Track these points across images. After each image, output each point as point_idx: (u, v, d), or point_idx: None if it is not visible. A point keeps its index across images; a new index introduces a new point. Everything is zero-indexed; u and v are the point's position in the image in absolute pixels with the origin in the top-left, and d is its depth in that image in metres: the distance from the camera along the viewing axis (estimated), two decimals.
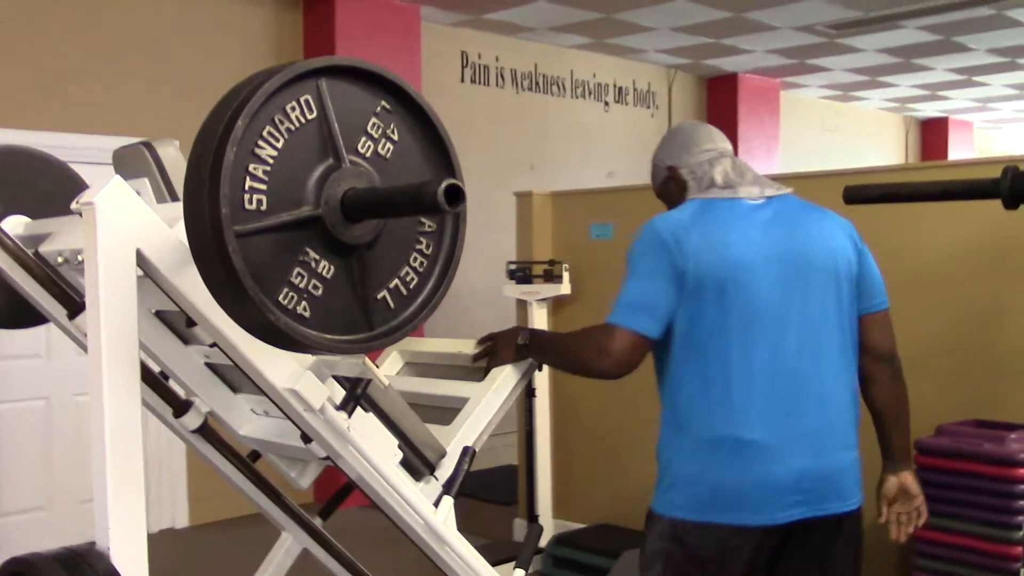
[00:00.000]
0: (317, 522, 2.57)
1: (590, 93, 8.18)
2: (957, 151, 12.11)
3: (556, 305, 4.95)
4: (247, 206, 1.30)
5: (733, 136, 9.00)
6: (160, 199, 1.88)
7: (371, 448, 1.83)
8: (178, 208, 1.80)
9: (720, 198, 2.30)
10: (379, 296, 1.46)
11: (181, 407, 2.22)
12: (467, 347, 2.39)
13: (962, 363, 3.67)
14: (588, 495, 4.89)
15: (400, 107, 1.47)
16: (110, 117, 5.32)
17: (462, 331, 2.63)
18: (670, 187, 2.42)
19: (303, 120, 1.36)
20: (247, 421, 2.26)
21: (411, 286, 1.50)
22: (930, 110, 11.59)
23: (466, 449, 2.06)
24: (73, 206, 1.57)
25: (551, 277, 4.77)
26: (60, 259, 1.89)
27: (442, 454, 2.05)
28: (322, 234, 1.37)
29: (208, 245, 1.28)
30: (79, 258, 1.83)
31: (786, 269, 2.25)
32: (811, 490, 2.19)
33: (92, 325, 1.51)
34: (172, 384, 2.25)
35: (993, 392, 3.59)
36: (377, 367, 2.42)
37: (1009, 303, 3.57)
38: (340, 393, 1.80)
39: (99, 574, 1.45)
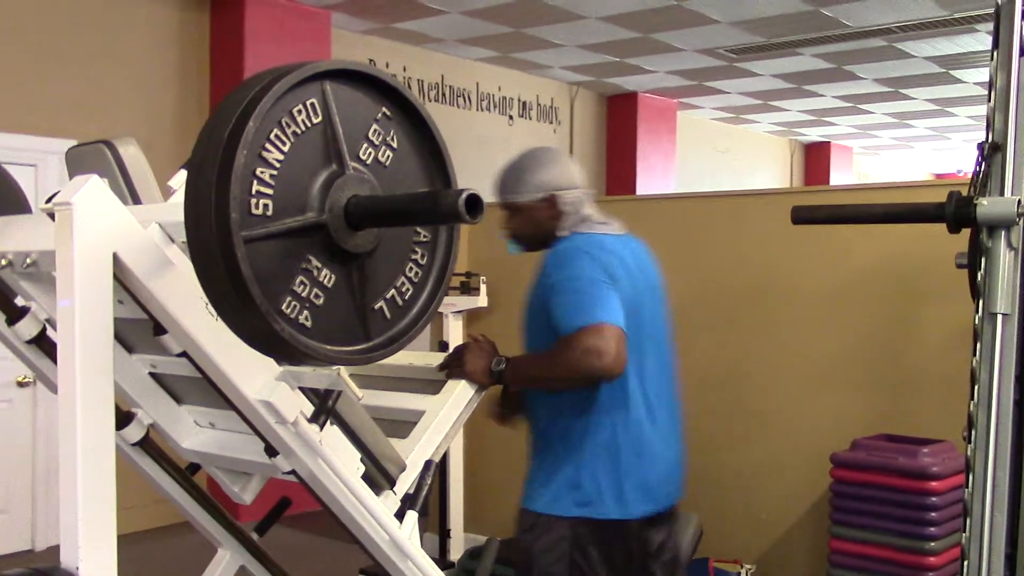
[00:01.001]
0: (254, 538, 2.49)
1: (495, 106, 8.22)
2: (838, 174, 12.62)
3: (471, 317, 4.94)
4: (254, 211, 1.26)
5: (632, 154, 9.19)
6: (122, 201, 1.79)
7: (339, 462, 1.78)
8: (147, 210, 1.74)
9: (604, 233, 2.47)
10: (376, 307, 1.43)
11: (123, 419, 2.12)
12: (418, 359, 2.36)
13: (872, 379, 3.81)
14: (500, 507, 4.88)
15: (400, 114, 1.44)
16: (6, 115, 5.09)
17: None
18: (538, 212, 2.45)
19: (309, 124, 1.32)
20: (190, 433, 2.17)
21: (406, 296, 1.47)
22: (814, 134, 12.06)
23: (428, 463, 2.03)
24: (43, 207, 1.49)
25: (468, 289, 4.75)
26: (3, 261, 1.79)
27: (402, 468, 2.02)
28: (325, 242, 1.33)
29: (213, 251, 1.23)
30: (27, 261, 1.73)
31: (655, 296, 2.56)
32: (677, 479, 2.58)
33: (65, 334, 1.43)
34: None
35: (902, 407, 3.74)
36: None
37: (917, 322, 3.73)
38: (307, 406, 1.75)
39: None
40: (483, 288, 4.74)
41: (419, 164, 1.47)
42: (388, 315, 1.44)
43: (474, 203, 1.24)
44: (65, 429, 1.44)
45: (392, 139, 1.43)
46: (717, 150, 10.93)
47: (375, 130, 1.41)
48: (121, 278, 1.52)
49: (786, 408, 4.00)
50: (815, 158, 12.72)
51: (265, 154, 1.27)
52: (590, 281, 2.29)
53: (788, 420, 3.99)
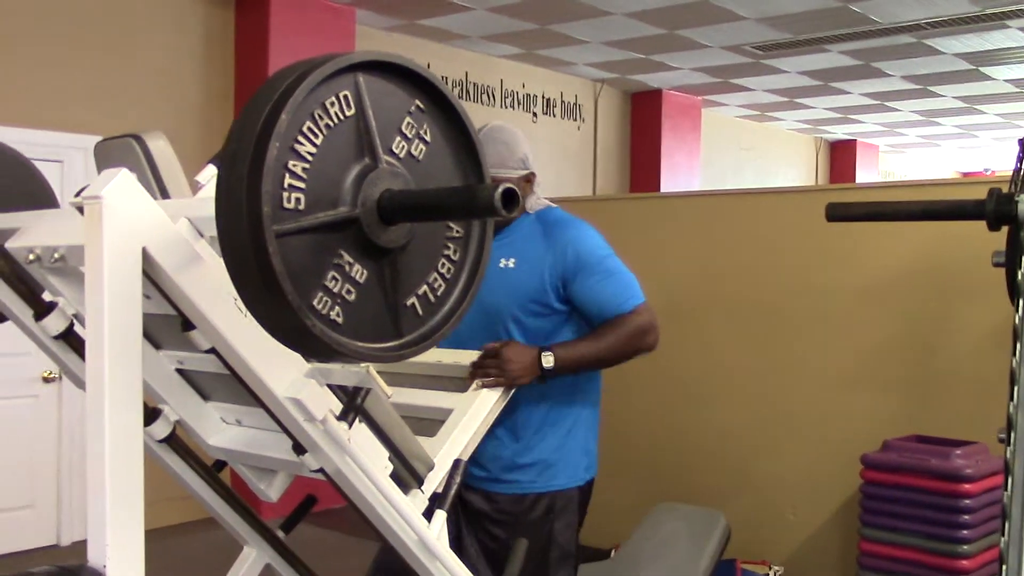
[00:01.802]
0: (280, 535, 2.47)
1: (519, 103, 8.19)
2: (863, 172, 12.52)
3: None
4: (286, 205, 1.23)
5: (656, 151, 9.13)
6: (151, 196, 1.77)
7: (368, 461, 1.76)
8: (176, 205, 1.72)
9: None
10: (408, 303, 1.40)
11: (149, 416, 2.10)
12: (447, 356, 2.33)
13: (904, 380, 3.76)
14: None
15: (433, 107, 1.41)
16: (25, 108, 5.10)
17: None
18: (519, 188, 2.51)
19: (342, 116, 1.29)
20: (217, 430, 2.15)
21: (439, 293, 1.44)
22: (840, 132, 11.95)
23: (457, 462, 2.01)
24: (72, 201, 1.47)
25: None
26: (31, 256, 1.77)
27: (430, 467, 1.99)
28: (358, 236, 1.31)
29: (245, 245, 1.20)
30: (55, 256, 1.72)
31: None
32: None
33: (94, 329, 1.41)
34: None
35: (934, 408, 3.69)
36: None
37: (949, 322, 3.68)
38: (336, 404, 1.72)
39: None
40: None
41: (452, 158, 1.44)
42: (420, 312, 1.41)
43: (510, 197, 1.21)
44: (93, 426, 1.42)
45: (425, 132, 1.40)
46: (742, 148, 10.85)
47: (408, 123, 1.38)
48: (149, 273, 1.50)
49: (816, 408, 3.95)
50: (841, 156, 12.62)
51: (298, 147, 1.24)
52: (615, 258, 2.45)
53: (818, 420, 3.94)
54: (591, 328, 2.44)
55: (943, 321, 3.68)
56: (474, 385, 2.21)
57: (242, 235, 1.20)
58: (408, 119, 1.38)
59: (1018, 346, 2.15)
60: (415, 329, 1.41)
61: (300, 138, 1.25)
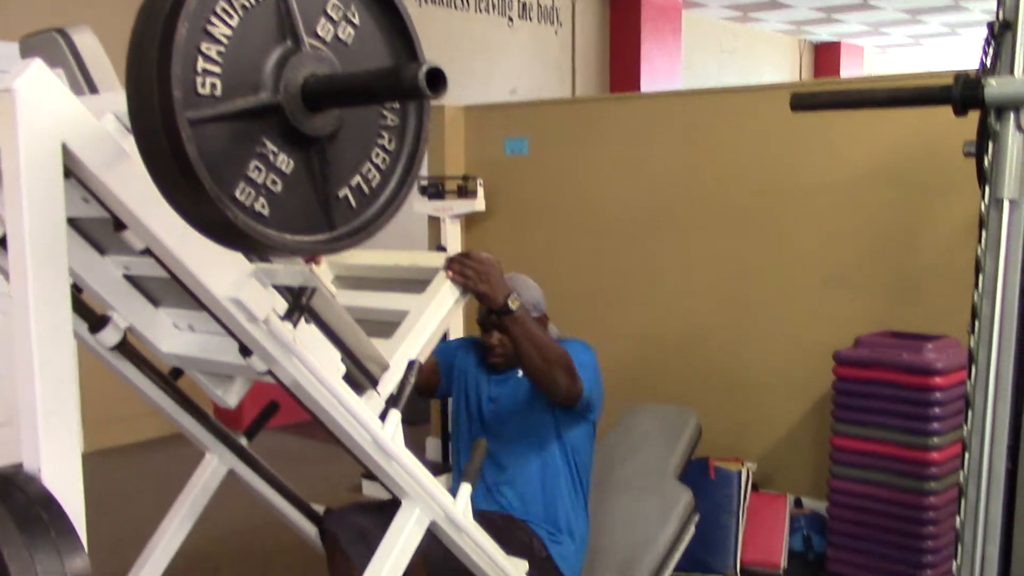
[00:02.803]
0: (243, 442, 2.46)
1: (494, 8, 7.99)
2: (848, 74, 12.34)
3: (469, 222, 4.86)
4: (200, 90, 1.17)
5: (635, 56, 8.96)
6: (78, 91, 1.70)
7: (316, 361, 1.72)
8: (101, 100, 1.65)
9: None
10: (341, 195, 1.34)
11: (98, 322, 2.06)
12: (404, 259, 2.29)
13: (878, 276, 3.74)
14: None
15: None
16: None
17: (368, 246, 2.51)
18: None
19: None
20: (169, 336, 2.12)
21: (373, 184, 1.38)
22: (824, 34, 11.75)
23: (411, 362, 1.98)
24: None
25: (465, 193, 4.66)
26: None
27: (385, 368, 1.96)
28: (281, 124, 1.25)
29: (158, 133, 1.14)
30: None
31: None
32: None
33: (14, 231, 1.36)
34: (85, 297, 2.09)
35: (907, 304, 3.67)
36: None
37: (923, 218, 3.64)
38: (282, 304, 1.68)
39: (31, 498, 1.32)
40: (480, 191, 4.64)
41: (383, 42, 1.37)
42: (354, 204, 1.36)
43: (436, 76, 1.15)
44: (20, 329, 1.38)
45: (353, 15, 1.33)
46: (724, 50, 10.67)
47: (334, 4, 1.31)
48: (73, 171, 1.44)
49: (789, 307, 3.93)
50: (825, 58, 12.42)
51: (211, 28, 1.17)
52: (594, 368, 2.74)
53: (791, 319, 3.93)
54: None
55: (917, 217, 3.64)
56: (440, 275, 2.15)
57: (154, 122, 1.15)
58: (334, 0, 1.31)
59: (983, 234, 2.12)
60: (349, 222, 1.36)
61: (213, 19, 1.18)
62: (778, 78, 11.60)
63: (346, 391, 1.79)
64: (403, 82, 1.15)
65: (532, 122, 4.75)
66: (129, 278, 2.06)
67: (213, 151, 1.18)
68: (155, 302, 2.10)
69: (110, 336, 2.08)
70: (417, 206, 4.73)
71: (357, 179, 1.36)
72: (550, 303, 4.45)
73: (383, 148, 1.39)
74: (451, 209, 4.68)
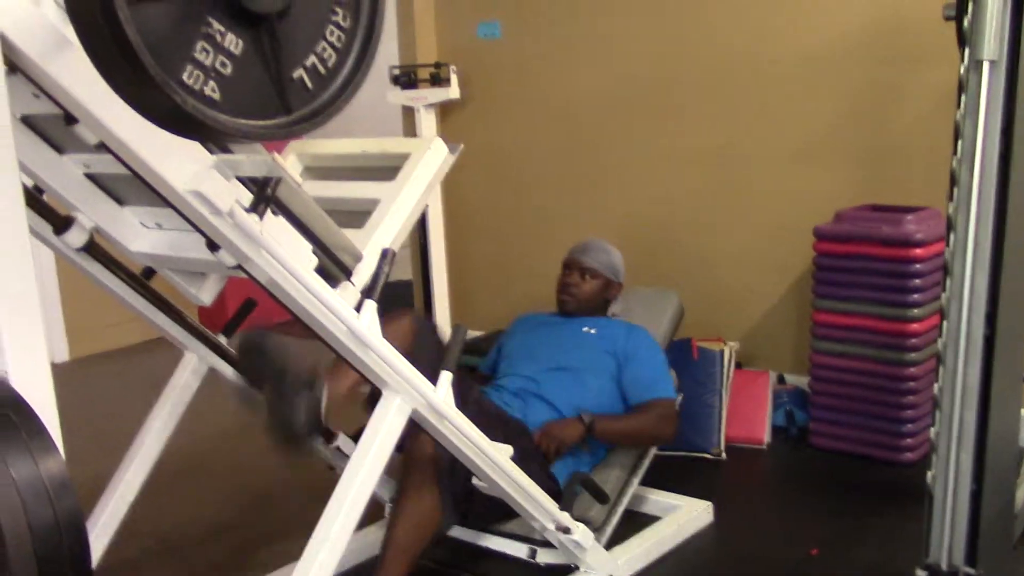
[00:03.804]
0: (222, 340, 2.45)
1: None
2: None
3: (444, 111, 4.77)
4: None
5: None
6: None
7: (285, 253, 1.69)
8: None
9: None
10: (295, 76, 1.29)
11: (62, 223, 2.02)
12: (372, 146, 2.23)
13: (858, 149, 3.70)
14: (484, 303, 4.88)
15: None
16: None
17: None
18: (600, 290, 3.14)
19: None
20: (137, 235, 2.07)
21: (329, 64, 1.32)
22: None
23: (385, 251, 1.95)
24: None
25: (438, 81, 4.55)
26: None
27: (358, 258, 1.93)
28: (226, 1, 1.18)
29: (94, 16, 1.08)
30: None
31: None
32: None
33: None
34: (48, 199, 2.04)
35: (888, 177, 3.64)
36: None
37: (903, 87, 3.58)
38: (246, 196, 1.64)
39: (4, 403, 1.29)
40: (454, 79, 4.53)
41: None
42: (310, 85, 1.31)
43: None
44: None
45: None
46: None
47: None
48: (16, 63, 1.38)
49: (767, 183, 3.90)
50: None
51: None
52: (667, 365, 3.04)
53: (770, 195, 3.90)
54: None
55: (895, 88, 3.57)
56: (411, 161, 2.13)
57: (90, 5, 1.08)
58: None
59: (962, 98, 2.08)
60: (306, 104, 1.30)
61: None
62: None
63: (318, 282, 1.76)
64: None
65: (504, 5, 4.62)
66: (91, 177, 2.01)
67: (155, 33, 1.12)
68: (120, 201, 2.05)
69: (76, 237, 2.04)
70: (390, 96, 4.63)
71: (312, 59, 1.31)
72: (527, 192, 4.40)
73: (337, 25, 1.33)
74: (424, 98, 4.58)
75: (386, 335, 2.22)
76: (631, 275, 3.27)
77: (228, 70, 1.21)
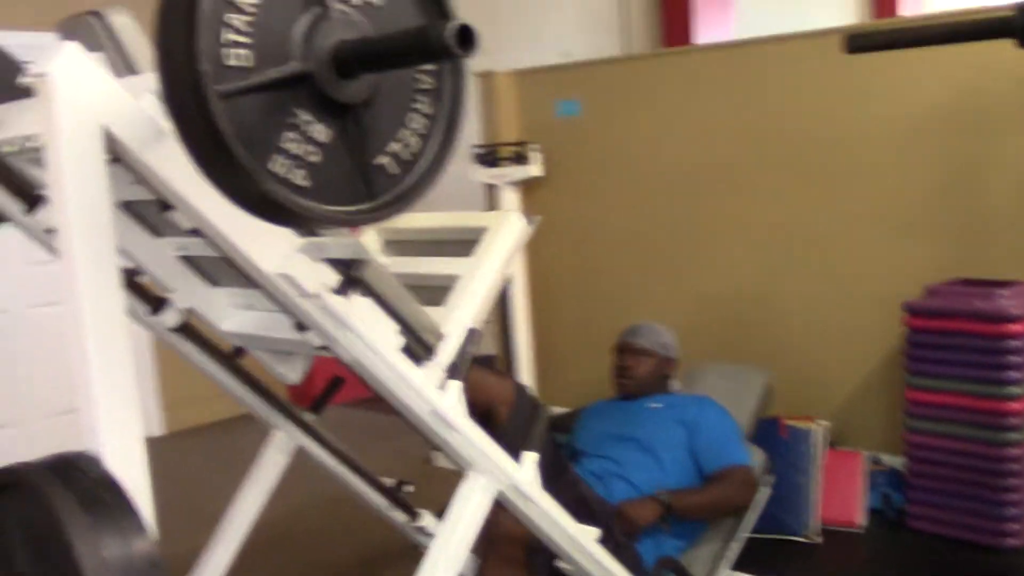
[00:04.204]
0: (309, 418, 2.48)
1: None
2: (907, 12, 11.96)
3: (526, 187, 4.82)
4: (229, 62, 1.15)
5: (687, 8, 8.79)
6: (119, 74, 1.70)
7: (370, 334, 1.71)
8: (141, 80, 1.64)
9: None
10: (379, 162, 1.32)
11: (157, 304, 2.08)
12: (450, 220, 2.25)
13: (946, 222, 3.62)
14: (569, 379, 4.85)
15: None
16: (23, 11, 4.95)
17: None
18: (656, 368, 3.14)
19: None
20: (229, 315, 2.13)
21: (413, 150, 1.36)
22: None
23: (472, 331, 1.95)
24: (24, 80, 1.40)
25: (520, 159, 4.62)
26: (8, 149, 1.72)
27: (440, 337, 1.94)
28: (313, 92, 1.22)
29: (189, 110, 1.13)
30: (26, 144, 1.66)
31: None
32: None
33: (61, 216, 1.36)
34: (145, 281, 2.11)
35: (978, 250, 3.55)
36: None
37: (990, 159, 3.50)
38: (333, 278, 1.67)
39: (93, 480, 1.33)
40: (535, 157, 4.59)
41: (415, 4, 1.33)
42: (394, 171, 1.34)
43: (466, 35, 1.11)
44: (72, 314, 1.38)
45: None
46: None
47: None
48: (117, 153, 1.44)
49: (855, 259, 3.83)
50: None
51: None
52: (739, 431, 3.01)
53: (858, 271, 3.82)
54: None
55: (984, 158, 3.49)
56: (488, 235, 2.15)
57: (184, 98, 1.13)
58: None
59: None
60: (390, 189, 1.34)
61: None
62: (836, 22, 11.28)
63: (403, 363, 1.78)
64: (432, 42, 1.12)
65: (584, 83, 4.69)
66: (186, 259, 2.07)
67: (245, 124, 1.16)
68: (213, 281, 2.11)
69: (170, 318, 2.10)
70: (473, 174, 4.70)
71: (396, 145, 1.34)
72: (609, 268, 4.41)
73: (420, 112, 1.36)
74: (507, 176, 4.64)
75: (486, 392, 2.25)
76: (716, 352, 3.23)
77: (315, 158, 1.25)
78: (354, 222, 1.30)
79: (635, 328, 3.21)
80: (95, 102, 1.37)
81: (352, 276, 1.66)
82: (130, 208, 1.96)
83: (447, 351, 1.95)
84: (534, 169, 4.61)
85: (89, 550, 1.25)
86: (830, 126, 3.85)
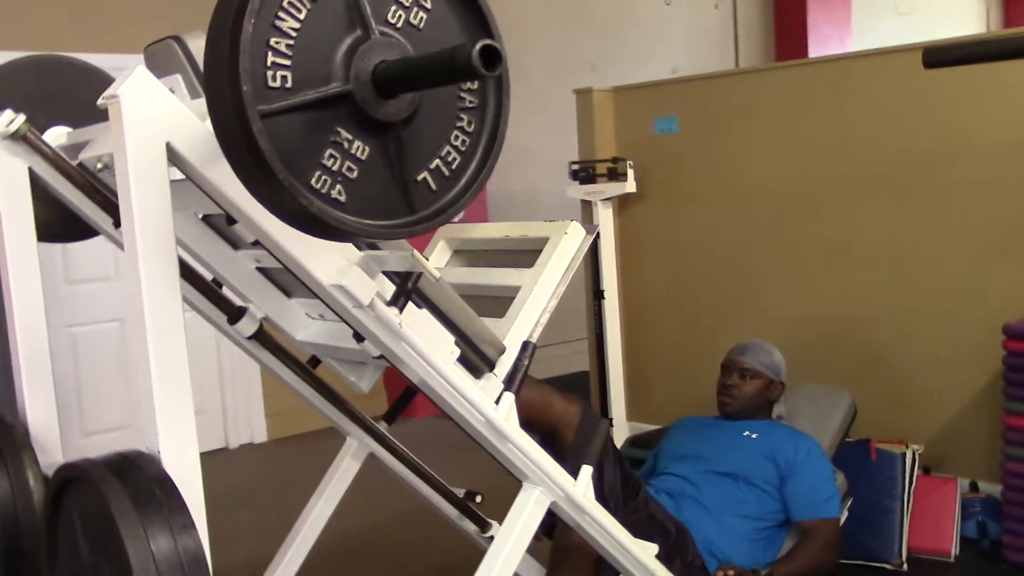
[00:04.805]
0: (383, 427, 2.54)
1: None
2: None
3: (622, 204, 4.82)
4: (271, 83, 1.21)
5: (802, 25, 8.64)
6: (195, 95, 1.80)
7: (426, 345, 1.76)
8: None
9: None
10: (419, 178, 1.37)
11: (235, 313, 2.18)
12: (514, 231, 2.28)
13: None
14: (660, 397, 4.82)
15: None
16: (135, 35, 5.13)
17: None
18: (761, 391, 3.08)
19: None
20: (303, 326, 2.21)
21: (454, 166, 1.40)
22: None
23: (526, 344, 1.98)
24: (99, 102, 1.50)
25: (615, 175, 4.63)
26: (100, 165, 1.84)
27: (501, 350, 1.98)
28: (354, 112, 1.28)
29: (232, 127, 1.20)
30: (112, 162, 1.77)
31: None
32: None
33: (126, 223, 1.45)
34: (226, 291, 2.21)
35: None
36: (425, 258, 2.36)
37: None
38: (391, 289, 1.72)
39: (150, 478, 1.41)
40: (631, 173, 4.59)
41: (458, 24, 1.38)
42: (433, 187, 1.38)
43: (490, 54, 1.15)
44: (136, 321, 1.47)
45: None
46: (900, 12, 10.13)
47: None
48: (182, 170, 1.53)
49: (951, 279, 3.70)
50: (1016, 11, 11.58)
51: (279, 23, 1.22)
52: (834, 479, 2.94)
53: (957, 293, 3.70)
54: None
55: None
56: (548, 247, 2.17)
57: (228, 117, 1.20)
58: None
59: None
60: (429, 204, 1.38)
61: (281, 14, 1.22)
62: (961, 34, 10.90)
63: (457, 374, 1.81)
64: (458, 62, 1.16)
65: (682, 100, 4.67)
66: (261, 270, 2.16)
67: (287, 142, 1.22)
68: (287, 293, 2.20)
69: (247, 326, 2.19)
70: (570, 191, 4.74)
71: (436, 162, 1.38)
72: (702, 287, 4.37)
73: (462, 130, 1.40)
74: (602, 192, 4.66)
75: (552, 413, 2.28)
76: (808, 372, 3.17)
77: (354, 174, 1.30)
78: (390, 236, 1.35)
79: (744, 346, 3.16)
80: (160, 121, 1.46)
81: (406, 288, 1.71)
82: (209, 222, 2.06)
83: (505, 364, 1.98)
84: (628, 186, 4.61)
85: (138, 543, 1.32)
86: (933, 142, 3.74)
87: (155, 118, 1.45)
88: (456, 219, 4.37)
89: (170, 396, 1.48)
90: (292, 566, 2.42)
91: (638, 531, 2.21)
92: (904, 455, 3.39)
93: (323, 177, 1.27)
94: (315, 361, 2.41)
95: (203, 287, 2.15)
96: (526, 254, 2.18)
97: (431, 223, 1.37)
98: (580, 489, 2.02)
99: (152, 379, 1.46)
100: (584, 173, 4.70)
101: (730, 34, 8.52)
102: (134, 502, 1.36)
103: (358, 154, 1.30)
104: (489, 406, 1.87)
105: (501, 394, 1.91)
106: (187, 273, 2.14)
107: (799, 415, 3.08)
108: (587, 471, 2.05)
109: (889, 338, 3.89)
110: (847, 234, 4.03)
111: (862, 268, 3.98)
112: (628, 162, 4.61)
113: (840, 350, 4.01)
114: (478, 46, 1.14)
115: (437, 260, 2.43)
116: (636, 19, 7.72)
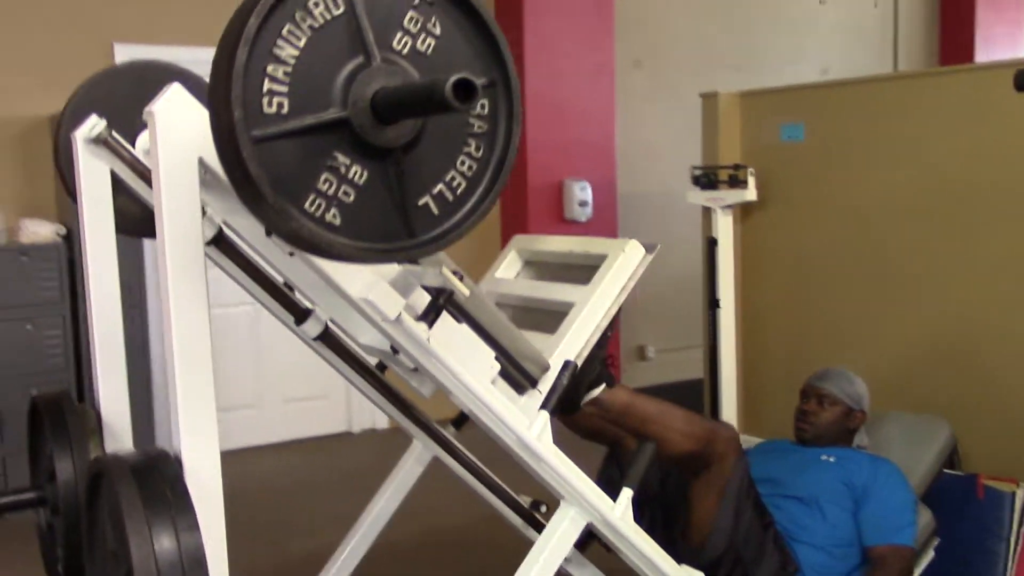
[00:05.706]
0: (450, 432, 2.58)
1: None
2: None
3: (743, 211, 4.70)
4: (266, 109, 1.25)
5: (970, 24, 8.19)
6: None
7: (457, 360, 1.77)
8: None
9: None
10: (421, 203, 1.38)
11: (301, 315, 2.25)
12: (578, 245, 2.26)
13: None
14: (774, 409, 4.68)
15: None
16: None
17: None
18: (840, 418, 2.97)
19: (328, 16, 1.28)
20: (365, 330, 2.25)
21: (458, 192, 1.40)
22: None
23: (566, 363, 1.97)
24: (144, 116, 1.58)
25: (736, 183, 4.51)
26: None
27: (545, 368, 1.97)
28: (351, 137, 1.30)
29: (227, 151, 1.24)
30: None
31: None
32: None
33: (158, 232, 1.53)
34: (298, 295, 2.29)
35: None
36: (497, 267, 2.38)
37: None
38: (420, 304, 1.74)
39: (163, 478, 1.47)
40: (752, 181, 4.47)
41: (470, 51, 1.38)
42: (436, 211, 1.39)
43: (464, 88, 1.15)
44: (165, 323, 1.54)
45: (434, 25, 1.35)
46: None
47: (412, 17, 1.34)
48: (219, 181, 1.59)
49: None
50: None
51: (277, 51, 1.25)
52: (913, 508, 2.78)
53: None
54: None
55: None
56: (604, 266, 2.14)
57: (222, 140, 1.24)
58: (412, 13, 1.34)
59: None
60: (431, 229, 1.38)
61: (280, 42, 1.25)
62: None
63: (488, 391, 1.82)
64: (435, 95, 1.17)
65: (811, 107, 4.50)
66: None
67: (280, 165, 1.26)
68: None
69: (312, 328, 2.27)
70: (689, 197, 4.65)
71: (440, 187, 1.39)
72: (820, 301, 4.20)
73: (470, 155, 1.41)
74: (722, 199, 4.55)
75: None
76: (912, 400, 3.02)
77: (351, 198, 1.32)
78: (387, 259, 1.37)
79: (825, 372, 3.06)
80: (192, 135, 1.53)
81: (438, 303, 1.73)
82: None
83: (548, 381, 1.97)
84: (749, 193, 4.48)
85: (141, 541, 1.39)
86: None
87: (188, 133, 1.52)
88: (583, 219, 4.41)
89: (192, 398, 1.54)
90: (347, 566, 2.49)
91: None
92: (1015, 494, 3.18)
93: (317, 200, 1.30)
94: (382, 366, 2.46)
95: (274, 289, 2.24)
96: (586, 270, 2.17)
97: (431, 247, 1.38)
98: (618, 512, 1.99)
99: (176, 384, 1.53)
100: (706, 179, 4.60)
101: (889, 34, 8.16)
102: (144, 501, 1.43)
103: (355, 179, 1.32)
104: (520, 424, 1.87)
105: (537, 413, 1.91)
106: (258, 276, 2.24)
107: (890, 444, 2.94)
108: (627, 494, 2.02)
109: (995, 366, 3.64)
110: (974, 247, 3.79)
111: (988, 285, 3.74)
112: (750, 169, 4.48)
113: (953, 377, 3.78)
114: (452, 80, 1.14)
115: (508, 270, 2.44)
116: (786, 15, 7.48)
